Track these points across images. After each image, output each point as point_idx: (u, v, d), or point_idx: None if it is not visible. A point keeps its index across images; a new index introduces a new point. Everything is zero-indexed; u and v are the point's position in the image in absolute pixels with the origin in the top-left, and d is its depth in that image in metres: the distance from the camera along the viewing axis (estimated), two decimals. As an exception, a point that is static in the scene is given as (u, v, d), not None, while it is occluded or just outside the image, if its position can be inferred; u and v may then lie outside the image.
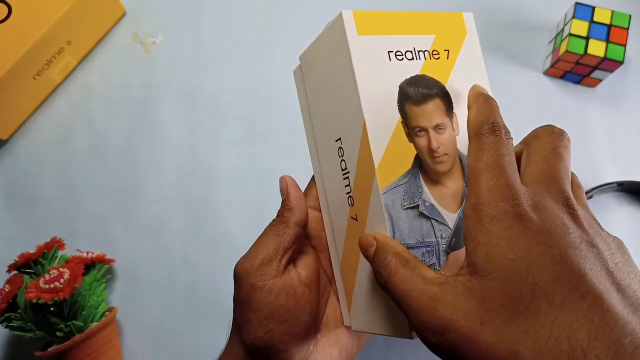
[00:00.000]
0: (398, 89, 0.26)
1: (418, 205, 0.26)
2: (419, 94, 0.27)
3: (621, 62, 0.53)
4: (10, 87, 0.54)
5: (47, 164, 0.58)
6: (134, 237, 0.55)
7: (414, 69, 0.27)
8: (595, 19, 0.54)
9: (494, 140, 0.23)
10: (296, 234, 0.31)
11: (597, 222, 0.23)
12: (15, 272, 0.49)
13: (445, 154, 0.27)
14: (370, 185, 0.26)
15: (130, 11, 0.62)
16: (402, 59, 0.27)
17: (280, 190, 0.32)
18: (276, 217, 0.32)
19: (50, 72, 0.58)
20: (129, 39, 0.61)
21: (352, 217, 0.28)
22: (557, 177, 0.23)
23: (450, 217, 0.26)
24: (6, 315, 0.46)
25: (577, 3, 0.55)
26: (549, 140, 0.24)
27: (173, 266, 0.54)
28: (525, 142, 0.26)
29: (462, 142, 0.27)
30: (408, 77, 0.27)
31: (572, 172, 0.25)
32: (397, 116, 0.26)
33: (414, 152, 0.26)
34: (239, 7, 0.62)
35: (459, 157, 0.27)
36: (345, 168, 0.28)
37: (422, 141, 0.27)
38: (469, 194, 0.22)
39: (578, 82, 0.58)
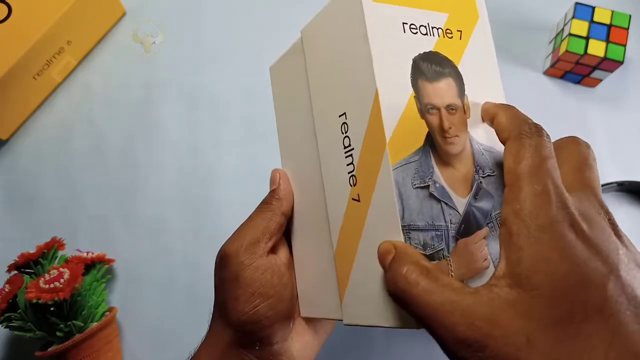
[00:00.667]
0: (412, 62, 0.26)
1: (429, 186, 0.25)
2: (433, 70, 0.26)
3: (621, 62, 0.52)
4: (10, 87, 0.54)
5: (47, 164, 0.57)
6: (134, 237, 0.55)
7: (428, 44, 0.26)
8: (595, 19, 0.54)
9: (537, 141, 0.21)
10: (281, 223, 0.32)
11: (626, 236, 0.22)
12: (15, 272, 0.49)
13: (457, 136, 0.26)
14: (380, 161, 0.24)
15: (130, 11, 0.62)
16: (417, 32, 0.26)
17: (271, 181, 0.33)
18: (263, 204, 0.33)
19: (50, 72, 0.58)
20: (129, 39, 0.61)
21: (353, 199, 0.27)
22: (594, 189, 0.22)
23: (460, 202, 0.25)
24: (6, 315, 0.46)
25: (577, 3, 0.54)
26: (578, 150, 0.24)
27: (173, 266, 0.54)
28: None
29: (473, 125, 0.27)
30: (422, 52, 0.26)
31: None
32: (410, 90, 0.25)
33: (426, 129, 0.25)
34: (239, 7, 0.62)
35: (470, 141, 0.26)
36: (349, 145, 0.27)
37: (434, 119, 0.25)
38: (510, 198, 0.21)
39: (578, 82, 0.58)
